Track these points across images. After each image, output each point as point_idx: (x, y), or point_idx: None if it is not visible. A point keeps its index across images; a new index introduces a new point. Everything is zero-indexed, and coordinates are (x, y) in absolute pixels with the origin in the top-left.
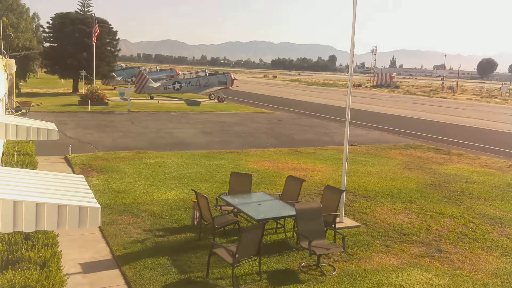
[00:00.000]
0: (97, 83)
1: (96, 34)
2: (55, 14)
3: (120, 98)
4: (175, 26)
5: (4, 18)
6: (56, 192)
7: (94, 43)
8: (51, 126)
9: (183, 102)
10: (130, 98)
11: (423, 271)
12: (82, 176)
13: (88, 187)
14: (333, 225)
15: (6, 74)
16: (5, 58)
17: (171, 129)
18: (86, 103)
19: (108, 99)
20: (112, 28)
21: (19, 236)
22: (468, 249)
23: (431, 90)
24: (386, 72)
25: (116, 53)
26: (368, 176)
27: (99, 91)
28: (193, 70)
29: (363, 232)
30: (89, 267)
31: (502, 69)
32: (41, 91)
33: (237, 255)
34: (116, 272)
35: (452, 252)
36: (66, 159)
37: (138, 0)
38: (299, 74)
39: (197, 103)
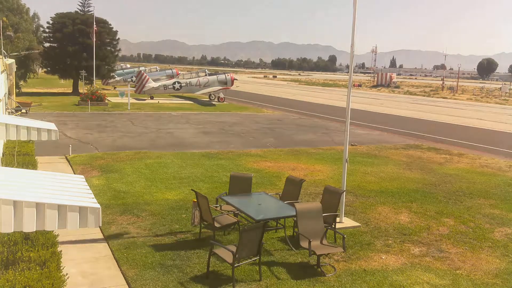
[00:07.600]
0: (97, 83)
1: (95, 33)
2: (55, 14)
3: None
4: (175, 26)
5: (4, 18)
6: (56, 192)
7: (94, 43)
8: (51, 126)
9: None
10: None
11: (423, 271)
12: (82, 176)
13: (88, 187)
14: (333, 225)
15: (6, 74)
16: (5, 58)
17: (171, 129)
18: (86, 103)
19: (108, 99)
20: (112, 28)
21: (19, 236)
22: (468, 249)
23: (431, 90)
24: (386, 72)
25: (116, 53)
26: (368, 176)
27: (99, 91)
28: (193, 70)
29: (364, 232)
30: (89, 267)
31: (502, 69)
32: (41, 91)
33: (237, 255)
34: (116, 272)
35: (453, 252)
36: (66, 159)
37: (138, 0)
38: (299, 74)
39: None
